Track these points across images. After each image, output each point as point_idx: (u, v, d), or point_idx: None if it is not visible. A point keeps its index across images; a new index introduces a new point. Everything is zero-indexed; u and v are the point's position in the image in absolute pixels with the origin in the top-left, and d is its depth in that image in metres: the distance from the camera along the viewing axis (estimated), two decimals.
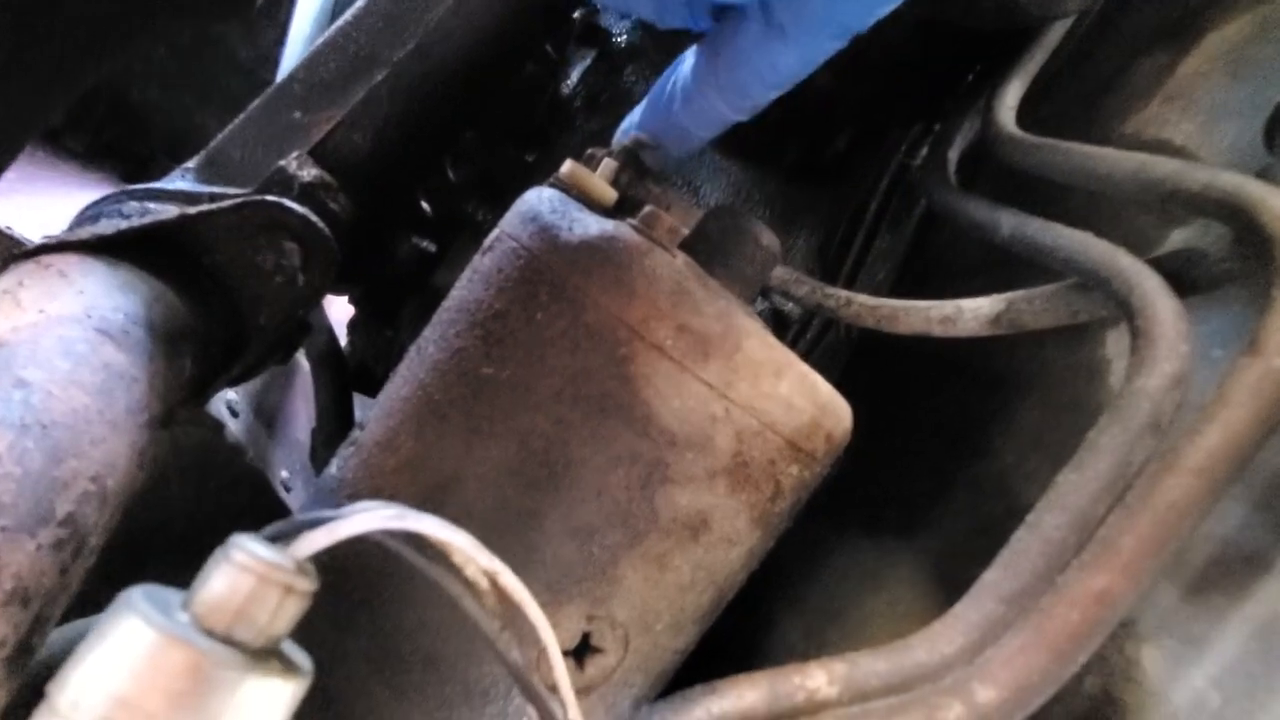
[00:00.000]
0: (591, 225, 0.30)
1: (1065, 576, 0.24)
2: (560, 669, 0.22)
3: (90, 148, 0.84)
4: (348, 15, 0.57)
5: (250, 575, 0.19)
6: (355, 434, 0.35)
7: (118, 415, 0.36)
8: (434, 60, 0.58)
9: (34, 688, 0.39)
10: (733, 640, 0.39)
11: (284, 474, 0.89)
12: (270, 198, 0.47)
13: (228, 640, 0.18)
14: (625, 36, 0.69)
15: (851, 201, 0.52)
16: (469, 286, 0.32)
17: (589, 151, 0.40)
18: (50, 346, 0.35)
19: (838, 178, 0.54)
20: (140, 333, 0.41)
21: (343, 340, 0.84)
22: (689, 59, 0.36)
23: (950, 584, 0.39)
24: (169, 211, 0.48)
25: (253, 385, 0.95)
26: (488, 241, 0.34)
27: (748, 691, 0.23)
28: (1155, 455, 0.25)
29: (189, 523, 0.77)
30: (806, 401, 0.30)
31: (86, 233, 0.44)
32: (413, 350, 0.34)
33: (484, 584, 0.22)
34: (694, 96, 0.34)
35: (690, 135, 0.36)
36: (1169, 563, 0.26)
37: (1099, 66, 0.45)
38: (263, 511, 0.83)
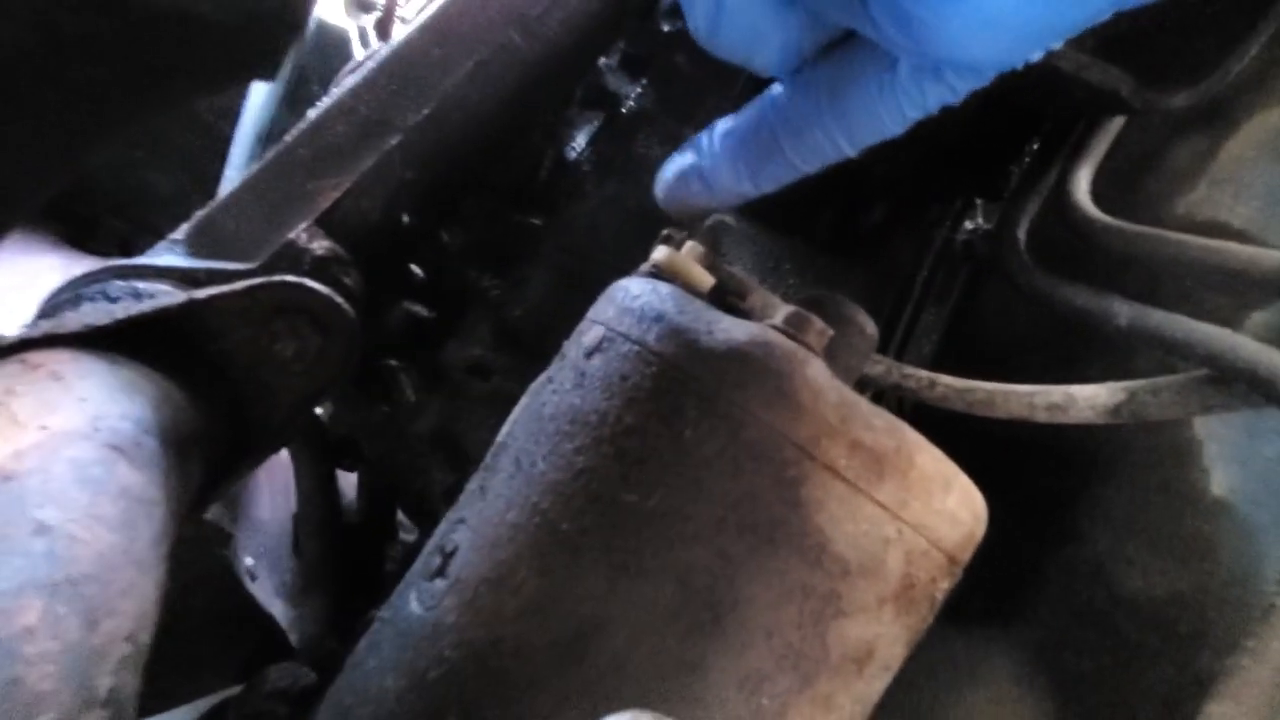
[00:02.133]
0: (735, 330, 0.27)
1: None
2: None
3: (73, 232, 0.74)
4: (355, 78, 0.53)
5: None
6: (433, 567, 0.30)
7: (143, 552, 0.30)
8: (449, 127, 0.54)
9: None
10: None
11: (249, 561, 0.81)
12: (290, 277, 0.42)
13: None
14: (634, 102, 0.67)
15: (891, 275, 0.51)
16: (583, 395, 0.28)
17: (665, 232, 0.38)
18: (63, 475, 0.29)
19: (874, 250, 0.54)
20: (152, 443, 0.35)
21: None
22: (783, 93, 0.33)
23: (1052, 675, 0.38)
24: (167, 293, 0.42)
25: None
26: (590, 339, 0.30)
27: None
28: None
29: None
30: (969, 514, 0.28)
31: (76, 324, 0.38)
32: (506, 463, 0.30)
33: None
34: (804, 133, 0.31)
35: (796, 171, 0.33)
36: None
37: (1132, 148, 0.46)
38: (232, 611, 0.74)
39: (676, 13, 0.69)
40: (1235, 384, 0.29)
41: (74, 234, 0.79)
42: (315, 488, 0.68)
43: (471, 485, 0.32)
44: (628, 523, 0.25)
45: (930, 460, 0.27)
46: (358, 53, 1.05)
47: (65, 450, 0.30)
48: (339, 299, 0.44)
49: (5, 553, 0.25)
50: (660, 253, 0.33)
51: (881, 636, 0.26)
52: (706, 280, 0.32)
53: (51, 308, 0.43)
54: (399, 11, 1.12)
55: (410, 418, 0.65)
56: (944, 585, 0.28)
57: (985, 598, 0.43)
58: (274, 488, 0.91)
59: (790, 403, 0.26)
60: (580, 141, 0.67)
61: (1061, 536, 0.40)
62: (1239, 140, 0.42)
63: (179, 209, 0.59)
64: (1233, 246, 0.34)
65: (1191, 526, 0.37)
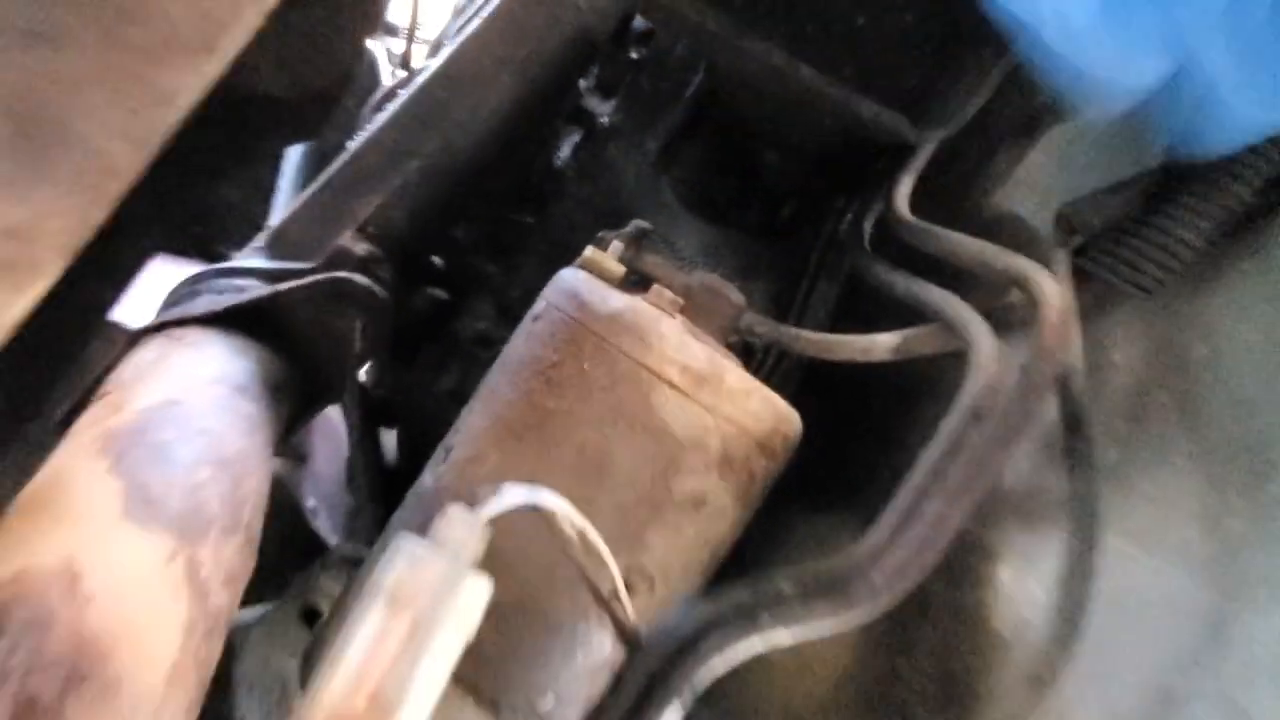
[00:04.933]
0: (618, 301, 0.43)
1: (922, 509, 0.38)
2: (622, 589, 0.34)
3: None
4: (383, 117, 0.69)
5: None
6: (440, 456, 0.47)
7: (259, 453, 0.48)
8: (456, 151, 0.70)
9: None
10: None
11: (311, 503, 1.00)
12: (341, 274, 0.59)
13: None
14: (607, 118, 0.82)
15: (798, 256, 0.66)
16: (528, 345, 0.45)
17: (600, 235, 0.54)
18: (209, 403, 0.46)
19: (787, 237, 0.68)
20: (258, 387, 0.52)
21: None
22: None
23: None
24: (256, 287, 0.60)
25: None
26: (537, 310, 0.47)
27: (736, 593, 0.36)
28: (972, 433, 0.39)
29: None
30: (769, 414, 0.43)
31: (200, 309, 0.55)
32: (485, 391, 0.46)
33: (575, 539, 0.34)
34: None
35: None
36: (1000, 500, 0.41)
37: (967, 159, 0.60)
38: (299, 537, 0.93)
39: (642, 40, 0.83)
40: (951, 329, 0.43)
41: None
42: (362, 438, 0.86)
43: (464, 410, 0.49)
44: (549, 419, 0.42)
45: (736, 378, 0.43)
46: (384, 74, 1.21)
47: (208, 389, 0.48)
48: (376, 288, 0.60)
49: (185, 442, 0.42)
50: (587, 251, 0.49)
51: (710, 490, 0.42)
52: (617, 270, 0.48)
53: (176, 298, 0.60)
54: (419, 33, 1.28)
55: (434, 380, 0.82)
56: (761, 463, 0.43)
57: (842, 492, 0.58)
58: (328, 447, 1.10)
59: (645, 344, 0.41)
60: (564, 152, 0.82)
61: (894, 446, 0.55)
62: (1037, 150, 0.56)
63: (244, 214, 0.76)
64: (983, 245, 0.48)
65: None
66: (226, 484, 0.42)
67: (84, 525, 0.36)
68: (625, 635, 0.38)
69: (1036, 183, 0.54)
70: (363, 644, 0.29)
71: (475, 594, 0.30)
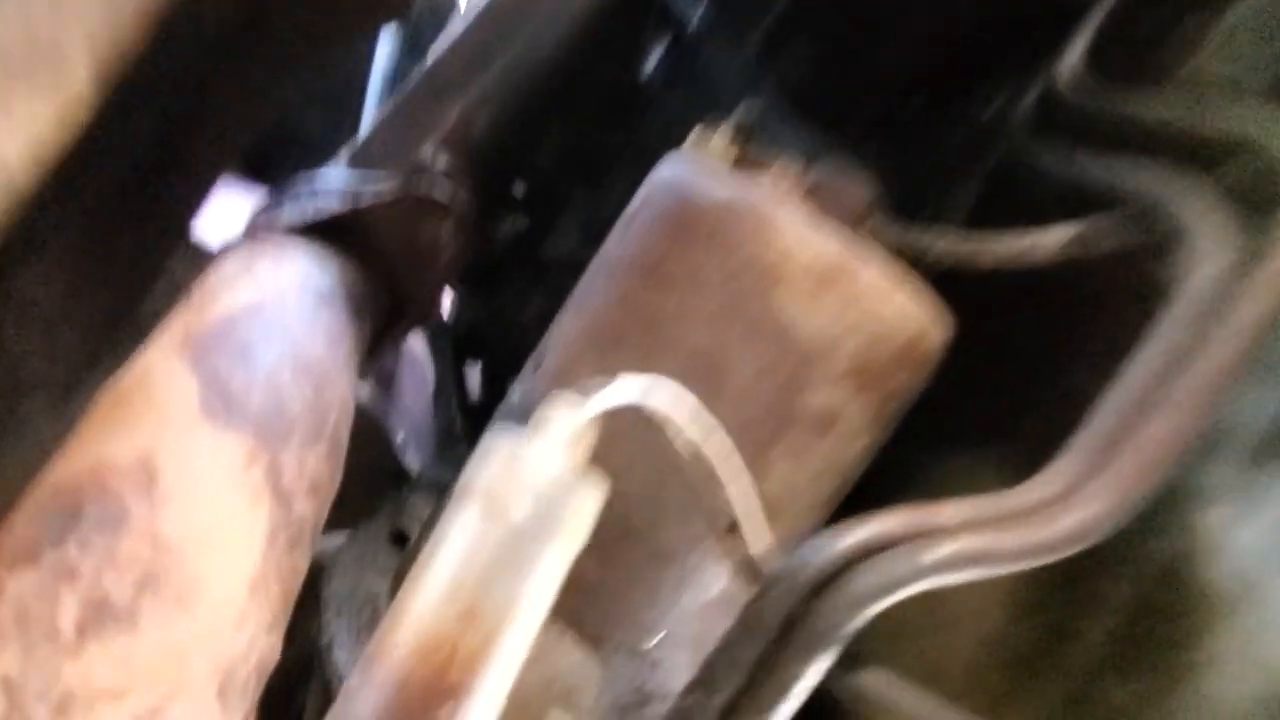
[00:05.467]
0: (732, 185, 0.37)
1: (1133, 432, 0.30)
2: (758, 509, 0.29)
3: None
4: (462, 24, 0.64)
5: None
6: (530, 370, 0.43)
7: (342, 362, 0.45)
8: (538, 54, 0.65)
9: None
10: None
11: (400, 437, 1.00)
12: (423, 189, 0.56)
13: None
14: (698, 19, 0.75)
15: (926, 157, 0.58)
16: (626, 241, 0.39)
17: (699, 128, 0.47)
18: (290, 309, 0.43)
19: (912, 137, 0.60)
20: (342, 300, 0.49)
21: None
22: None
23: (1025, 475, 0.45)
24: (338, 197, 0.57)
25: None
26: (635, 205, 0.41)
27: (888, 520, 0.30)
28: (1197, 341, 0.31)
29: None
30: (914, 317, 0.36)
31: (284, 219, 0.53)
32: (577, 296, 0.42)
33: (692, 453, 0.30)
34: None
35: None
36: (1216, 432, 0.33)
37: (1148, 21, 0.50)
38: (389, 468, 0.93)
39: None
40: (1155, 214, 0.35)
41: (252, 170, 0.98)
42: (447, 371, 0.84)
43: (553, 323, 0.44)
44: (653, 320, 0.36)
45: (876, 273, 0.36)
46: (462, 5, 1.17)
47: (290, 296, 0.45)
48: (460, 196, 0.56)
49: (267, 343, 0.39)
50: (692, 136, 0.43)
51: (841, 407, 0.36)
52: (726, 155, 0.42)
53: (263, 209, 0.58)
54: None
55: (519, 308, 0.78)
56: (902, 376, 0.37)
57: (983, 426, 0.50)
58: (415, 382, 1.10)
59: (763, 234, 0.35)
60: (651, 63, 0.76)
61: (1051, 371, 0.47)
62: (1233, 12, 0.45)
63: (332, 144, 0.74)
64: (1186, 100, 0.39)
65: None
66: (309, 390, 0.39)
67: (161, 423, 0.33)
68: (747, 570, 0.33)
69: (1241, 51, 0.44)
70: (453, 554, 0.25)
71: (587, 496, 0.25)
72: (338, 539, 0.56)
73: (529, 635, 0.25)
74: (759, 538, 0.30)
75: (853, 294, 0.35)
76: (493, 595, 0.23)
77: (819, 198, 0.39)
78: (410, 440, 0.99)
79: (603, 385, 0.27)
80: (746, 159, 0.42)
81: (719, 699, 0.28)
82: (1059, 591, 0.40)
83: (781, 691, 0.28)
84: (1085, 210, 0.42)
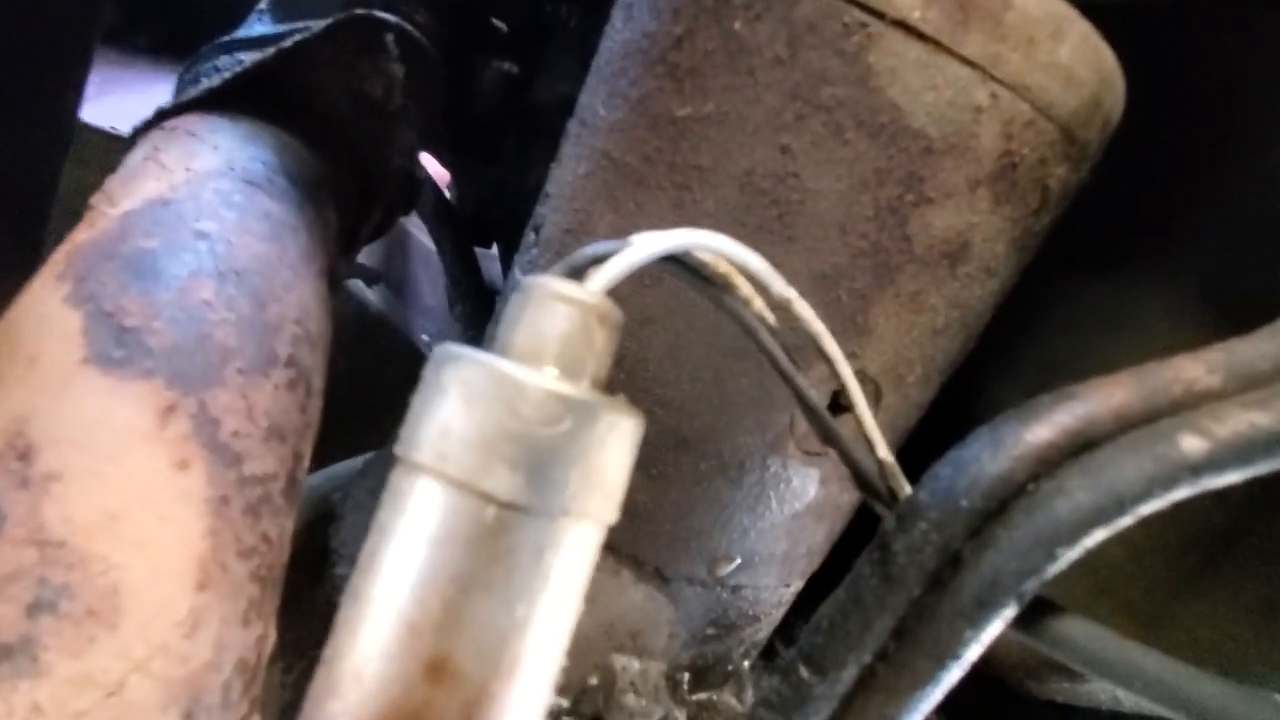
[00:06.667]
0: None
1: None
2: (857, 391, 0.19)
3: (154, 42, 0.82)
4: None
5: (564, 310, 0.16)
6: (529, 241, 0.32)
7: (295, 262, 0.35)
8: None
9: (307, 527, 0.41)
10: (934, 414, 0.34)
11: (424, 338, 0.92)
12: (360, 11, 0.43)
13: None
14: None
15: None
16: (632, 25, 0.26)
17: None
18: (211, 200, 0.33)
19: None
20: (283, 181, 0.39)
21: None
22: None
23: (1215, 302, 0.33)
24: (262, 51, 0.44)
25: (374, 258, 0.96)
26: None
27: (1115, 391, 0.20)
28: None
29: (353, 393, 0.80)
30: (1090, 70, 0.23)
31: (198, 91, 0.41)
32: (574, 125, 0.30)
33: (760, 323, 0.19)
34: None
35: None
36: None
37: None
38: (417, 379, 0.86)
39: None
40: None
41: (155, 45, 0.86)
42: (456, 259, 0.74)
43: (552, 167, 0.32)
44: (685, 138, 0.24)
45: (1033, 5, 0.22)
46: None
47: (210, 184, 0.34)
48: (410, 27, 0.43)
49: (174, 250, 0.29)
50: None
51: (976, 228, 0.24)
52: None
53: (180, 87, 0.47)
54: None
55: (521, 172, 0.66)
56: (1059, 171, 0.24)
57: (1136, 235, 0.38)
58: (433, 281, 1.01)
59: None
60: None
61: (1242, 145, 0.34)
62: None
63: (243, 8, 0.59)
64: None
65: None
66: (244, 304, 0.29)
67: (35, 381, 0.24)
68: (850, 471, 0.23)
69: None
70: (414, 556, 0.16)
71: (615, 427, 0.16)
72: (347, 466, 0.49)
73: (545, 680, 0.16)
74: (866, 426, 0.20)
75: (1000, 40, 0.22)
76: (477, 623, 0.14)
77: None
78: (434, 339, 0.91)
79: (619, 248, 0.17)
80: None
81: (839, 686, 0.19)
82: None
83: (932, 670, 0.19)
84: None
